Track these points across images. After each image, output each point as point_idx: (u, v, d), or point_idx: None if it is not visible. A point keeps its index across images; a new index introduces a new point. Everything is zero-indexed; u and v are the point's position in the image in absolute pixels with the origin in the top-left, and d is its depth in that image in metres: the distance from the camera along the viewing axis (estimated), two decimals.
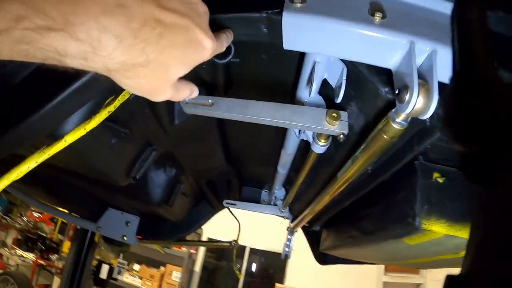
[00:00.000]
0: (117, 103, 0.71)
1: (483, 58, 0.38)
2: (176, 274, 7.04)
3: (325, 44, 0.62)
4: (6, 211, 8.25)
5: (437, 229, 0.77)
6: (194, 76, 0.97)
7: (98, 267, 6.20)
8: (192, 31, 0.48)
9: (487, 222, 0.29)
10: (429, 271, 7.24)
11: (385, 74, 0.66)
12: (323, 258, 2.13)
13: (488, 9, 0.43)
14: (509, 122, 0.30)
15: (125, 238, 1.94)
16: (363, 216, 1.19)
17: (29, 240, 7.80)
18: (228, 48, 0.84)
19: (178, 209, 1.98)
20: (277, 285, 7.24)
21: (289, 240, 2.39)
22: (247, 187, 2.30)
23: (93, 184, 1.52)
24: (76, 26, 0.37)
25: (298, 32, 0.62)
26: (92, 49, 0.39)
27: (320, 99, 0.84)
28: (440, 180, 0.80)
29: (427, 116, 0.54)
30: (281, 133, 1.22)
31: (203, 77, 0.96)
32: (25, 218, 8.08)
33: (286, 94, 0.96)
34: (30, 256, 7.09)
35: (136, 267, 7.35)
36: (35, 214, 8.04)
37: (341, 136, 0.73)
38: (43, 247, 7.47)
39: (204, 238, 7.32)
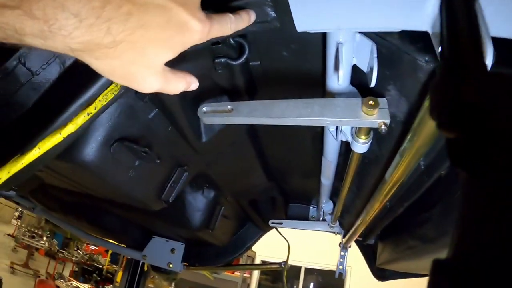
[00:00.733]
0: (98, 104, 0.62)
1: (468, 43, 0.38)
2: None
3: (342, 15, 0.52)
4: (63, 245, 8.78)
5: None
6: (213, 84, 0.91)
7: None
8: (172, 11, 0.43)
9: (470, 207, 0.31)
10: None
11: (422, 41, 0.56)
12: (381, 273, 2.00)
13: None
14: (491, 109, 0.31)
15: (171, 265, 1.93)
16: (420, 222, 1.06)
17: (86, 271, 8.21)
18: (242, 48, 0.78)
19: (221, 232, 1.94)
20: None
21: (342, 257, 2.24)
22: (293, 204, 2.20)
23: (131, 211, 1.51)
24: (32, 4, 0.35)
25: (308, 6, 0.53)
26: (48, 27, 0.36)
27: (353, 90, 0.73)
28: None
29: None
30: (318, 139, 1.12)
31: (222, 84, 0.90)
32: (80, 251, 8.50)
33: (318, 91, 0.87)
34: (86, 287, 7.38)
35: None
36: (91, 247, 8.43)
37: (383, 126, 0.63)
38: (99, 278, 7.78)
39: (257, 260, 7.20)
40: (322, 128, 1.02)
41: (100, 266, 8.20)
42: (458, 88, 0.34)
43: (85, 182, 1.06)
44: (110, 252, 7.81)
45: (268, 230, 2.29)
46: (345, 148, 1.11)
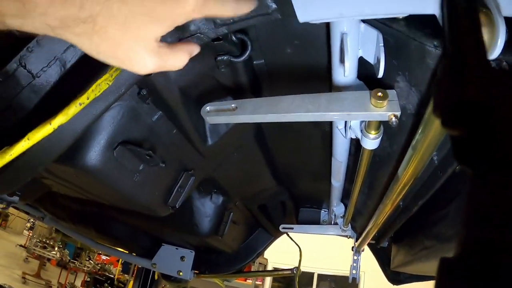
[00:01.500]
0: (90, 94, 0.60)
1: (471, 39, 0.38)
2: None
3: (344, 2, 0.50)
4: (75, 255, 8.84)
5: None
6: (216, 85, 0.89)
7: None
8: None
9: (474, 205, 0.31)
10: None
11: (429, 26, 0.54)
12: (395, 277, 1.96)
13: None
14: (494, 107, 0.31)
15: (180, 273, 1.92)
16: (436, 221, 1.03)
17: (97, 281, 8.25)
18: (245, 44, 0.76)
19: (231, 239, 1.91)
20: None
21: (355, 261, 2.19)
22: (304, 208, 2.17)
23: (139, 218, 1.49)
24: None
25: None
26: (23, 5, 0.36)
27: (360, 84, 0.71)
28: None
29: (496, 53, 0.43)
30: (327, 138, 1.09)
31: (226, 84, 0.88)
32: (92, 261, 8.55)
33: (324, 87, 0.84)
34: None
35: None
36: (103, 257, 8.47)
37: (393, 119, 0.61)
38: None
39: (269, 267, 7.13)
40: (330, 128, 0.99)
41: (112, 276, 8.24)
42: (461, 85, 0.34)
43: (90, 188, 1.05)
44: (121, 261, 7.83)
45: (279, 236, 2.25)
46: (355, 148, 1.08)
